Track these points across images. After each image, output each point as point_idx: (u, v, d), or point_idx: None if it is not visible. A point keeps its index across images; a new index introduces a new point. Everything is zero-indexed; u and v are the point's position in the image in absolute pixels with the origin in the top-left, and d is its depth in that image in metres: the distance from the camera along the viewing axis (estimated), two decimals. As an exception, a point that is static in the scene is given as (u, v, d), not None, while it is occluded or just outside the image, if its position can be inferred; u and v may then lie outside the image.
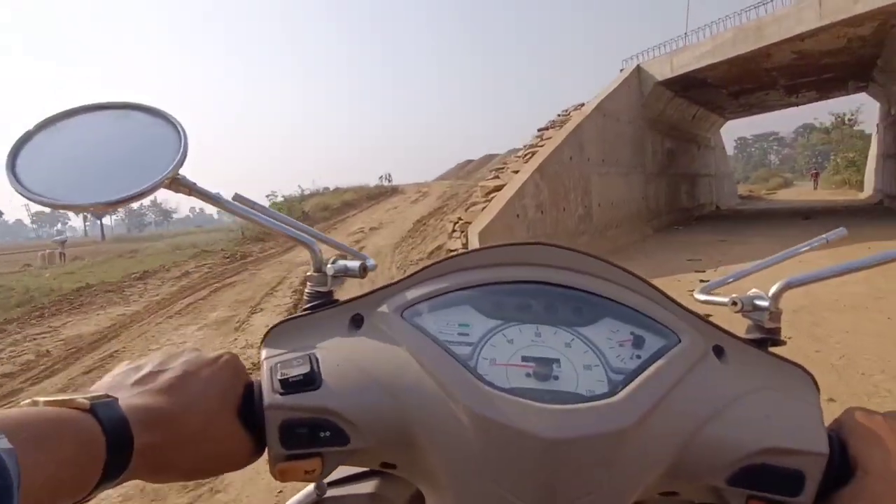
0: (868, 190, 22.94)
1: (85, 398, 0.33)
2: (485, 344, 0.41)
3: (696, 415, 0.39)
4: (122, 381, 0.39)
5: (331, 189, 25.70)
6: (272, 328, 0.45)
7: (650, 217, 13.88)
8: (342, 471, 0.53)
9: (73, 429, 0.31)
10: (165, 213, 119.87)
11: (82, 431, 0.31)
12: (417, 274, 0.46)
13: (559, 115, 11.17)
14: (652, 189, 14.42)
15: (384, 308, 0.44)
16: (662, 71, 12.73)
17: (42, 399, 0.33)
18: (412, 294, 0.44)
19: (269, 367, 0.42)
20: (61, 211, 0.41)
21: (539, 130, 10.64)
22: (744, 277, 0.54)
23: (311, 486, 0.51)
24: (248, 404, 0.41)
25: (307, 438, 0.40)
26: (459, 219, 8.27)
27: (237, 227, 17.66)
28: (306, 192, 24.01)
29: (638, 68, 13.11)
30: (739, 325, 0.47)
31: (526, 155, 9.50)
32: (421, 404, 0.39)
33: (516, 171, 8.71)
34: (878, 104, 18.78)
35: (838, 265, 0.44)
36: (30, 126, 0.43)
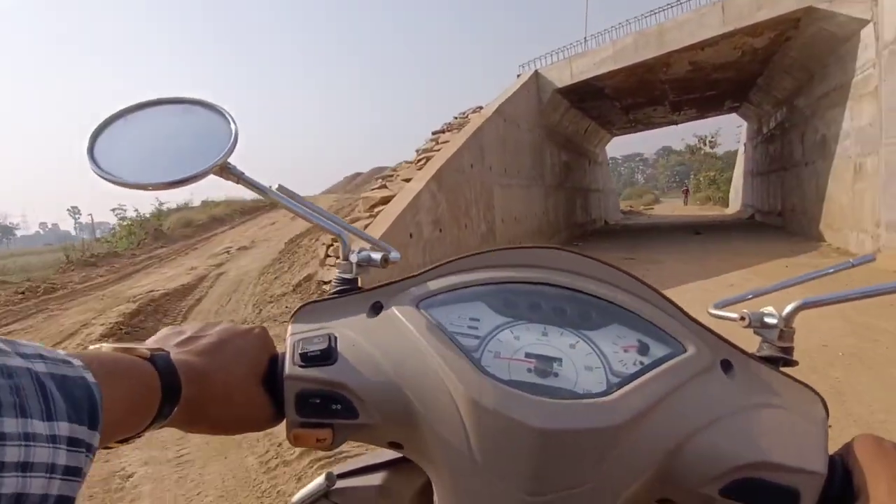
0: (735, 206, 24.66)
1: (146, 348, 0.38)
2: (492, 338, 0.42)
3: (693, 421, 0.38)
4: (167, 341, 0.43)
5: (197, 203, 22.32)
6: (300, 308, 0.48)
7: (551, 233, 12.99)
8: (352, 463, 0.56)
9: (138, 372, 0.36)
10: (5, 230, 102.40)
11: (145, 375, 0.36)
12: (436, 269, 0.48)
13: (456, 118, 9.76)
14: (551, 203, 13.61)
15: (402, 298, 0.46)
16: (562, 77, 11.92)
17: (108, 346, 0.37)
18: (429, 287, 0.46)
19: (292, 341, 0.45)
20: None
21: (434, 133, 9.13)
22: (762, 296, 0.53)
23: (321, 477, 0.54)
24: (273, 374, 0.45)
25: (320, 409, 0.43)
26: (334, 240, 6.37)
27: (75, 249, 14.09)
28: (167, 206, 20.45)
29: (536, 74, 12.21)
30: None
31: (419, 161, 7.91)
32: (425, 388, 0.41)
33: (407, 180, 7.07)
34: (745, 124, 20.00)
35: (857, 289, 0.44)
36: (107, 116, 0.48)
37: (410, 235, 6.12)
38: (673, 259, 9.08)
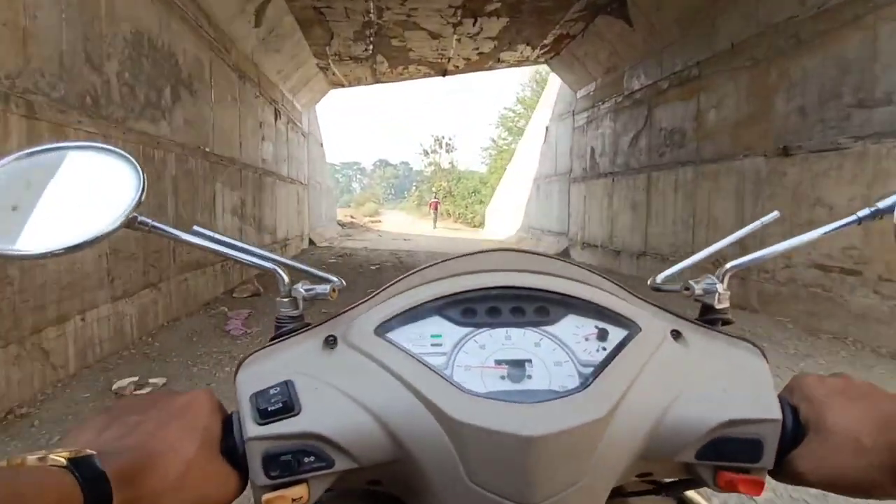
0: (502, 228, 17.23)
1: (62, 455, 0.31)
2: (458, 352, 0.42)
3: (662, 398, 0.40)
4: (96, 433, 0.37)
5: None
6: (244, 358, 0.44)
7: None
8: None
9: (52, 488, 0.30)
10: None
11: (61, 491, 0.30)
12: (386, 290, 0.47)
13: None
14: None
15: (356, 327, 0.44)
16: None
17: (19, 458, 0.31)
18: (382, 311, 0.45)
19: (246, 398, 0.40)
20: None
21: None
22: (692, 265, 0.56)
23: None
24: (228, 439, 0.40)
25: (291, 466, 0.39)
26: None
27: None
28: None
29: None
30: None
31: None
32: (401, 418, 0.39)
33: None
34: (553, 101, 12.13)
35: (776, 245, 0.49)
36: None
37: None
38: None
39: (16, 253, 0.39)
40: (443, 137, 30.43)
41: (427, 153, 32.02)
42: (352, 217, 25.15)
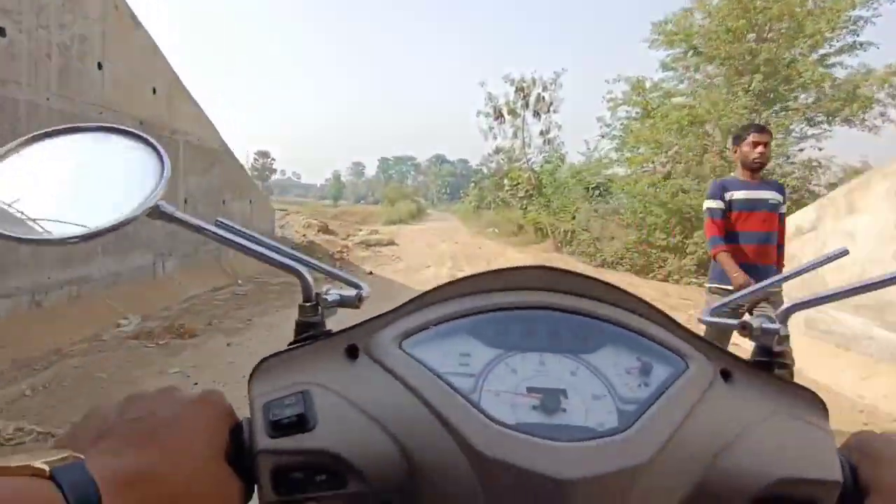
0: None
1: (45, 462, 0.28)
2: (487, 375, 0.39)
3: (710, 446, 0.38)
4: (89, 435, 0.33)
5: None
6: (260, 363, 0.42)
7: None
8: None
9: (31, 499, 0.27)
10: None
11: (43, 501, 0.27)
12: (415, 301, 0.44)
13: None
14: None
15: (380, 338, 0.42)
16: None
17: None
18: (409, 323, 0.42)
19: (259, 406, 0.39)
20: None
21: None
22: (743, 298, 0.50)
23: None
24: (237, 447, 0.38)
25: (302, 483, 0.37)
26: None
27: None
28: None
29: None
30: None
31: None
32: (422, 442, 0.37)
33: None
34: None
35: (842, 287, 0.44)
36: None
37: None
38: None
39: (33, 238, 0.38)
40: (533, 80, 16.00)
41: (501, 115, 17.54)
42: (323, 229, 12.01)
